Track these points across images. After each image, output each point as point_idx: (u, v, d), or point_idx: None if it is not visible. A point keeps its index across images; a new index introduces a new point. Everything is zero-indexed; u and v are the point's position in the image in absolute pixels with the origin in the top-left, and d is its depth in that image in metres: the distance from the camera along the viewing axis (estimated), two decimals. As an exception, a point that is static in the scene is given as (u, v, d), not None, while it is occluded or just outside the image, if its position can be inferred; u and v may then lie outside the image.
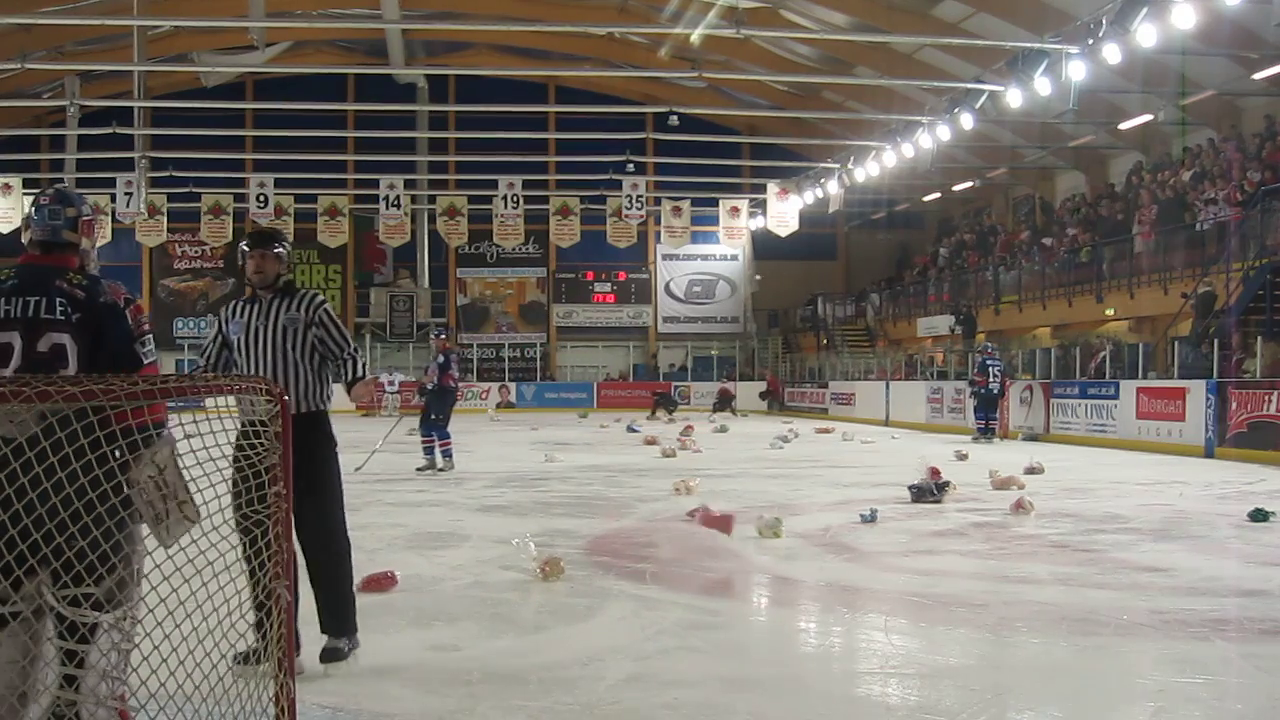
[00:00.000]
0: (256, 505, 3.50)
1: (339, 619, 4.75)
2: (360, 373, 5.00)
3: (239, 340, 4.86)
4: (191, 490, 3.36)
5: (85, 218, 3.63)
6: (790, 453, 17.69)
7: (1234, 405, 16.00)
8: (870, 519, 8.97)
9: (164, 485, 3.24)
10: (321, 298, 5.01)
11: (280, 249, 4.91)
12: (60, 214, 3.57)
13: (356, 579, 6.24)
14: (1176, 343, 19.62)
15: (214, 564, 3.56)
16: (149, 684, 3.31)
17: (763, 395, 36.37)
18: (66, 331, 3.34)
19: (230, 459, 3.52)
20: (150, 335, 3.56)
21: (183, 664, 3.45)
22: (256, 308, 4.91)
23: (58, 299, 3.36)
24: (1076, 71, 17.90)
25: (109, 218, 31.90)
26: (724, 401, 33.94)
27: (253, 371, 4.72)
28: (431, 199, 34.84)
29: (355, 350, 5.02)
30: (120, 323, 3.44)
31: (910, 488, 10.56)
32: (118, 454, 3.20)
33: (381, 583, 6.21)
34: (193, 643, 3.52)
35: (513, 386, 37.87)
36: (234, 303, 4.97)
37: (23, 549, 3.10)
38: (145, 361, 3.49)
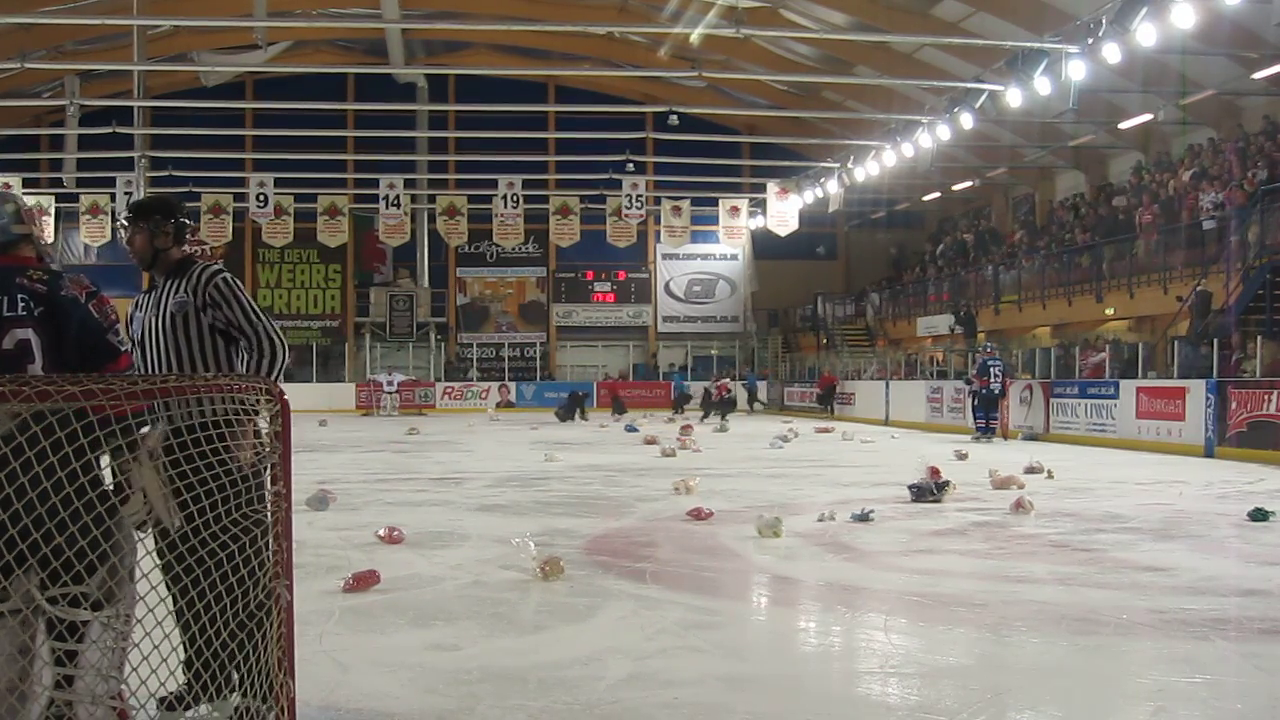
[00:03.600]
0: (217, 522, 3.47)
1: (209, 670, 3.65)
2: (277, 366, 4.01)
3: (135, 339, 4.16)
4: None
5: (25, 207, 3.61)
6: (790, 453, 17.68)
7: (1234, 405, 16.00)
8: (832, 519, 8.95)
9: (160, 472, 3.24)
10: (217, 268, 4.15)
11: (155, 222, 4.14)
12: (1, 212, 3.56)
13: (348, 578, 6.27)
14: (1176, 342, 19.62)
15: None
16: (149, 684, 3.32)
17: (750, 398, 35.31)
18: (30, 326, 3.33)
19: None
20: (119, 325, 3.54)
21: (184, 663, 3.46)
22: (150, 297, 4.19)
23: (19, 295, 3.34)
24: (1076, 71, 17.90)
25: (109, 217, 31.99)
26: (724, 403, 30.20)
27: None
28: (431, 198, 34.87)
29: (270, 331, 4.06)
30: (83, 315, 3.42)
31: (910, 487, 10.56)
32: (96, 448, 3.19)
33: (367, 580, 6.22)
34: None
35: (512, 386, 37.88)
36: (139, 295, 4.30)
37: (23, 547, 3.10)
38: (121, 350, 3.48)
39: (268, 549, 3.32)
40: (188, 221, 4.27)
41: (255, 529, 3.47)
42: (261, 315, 4.08)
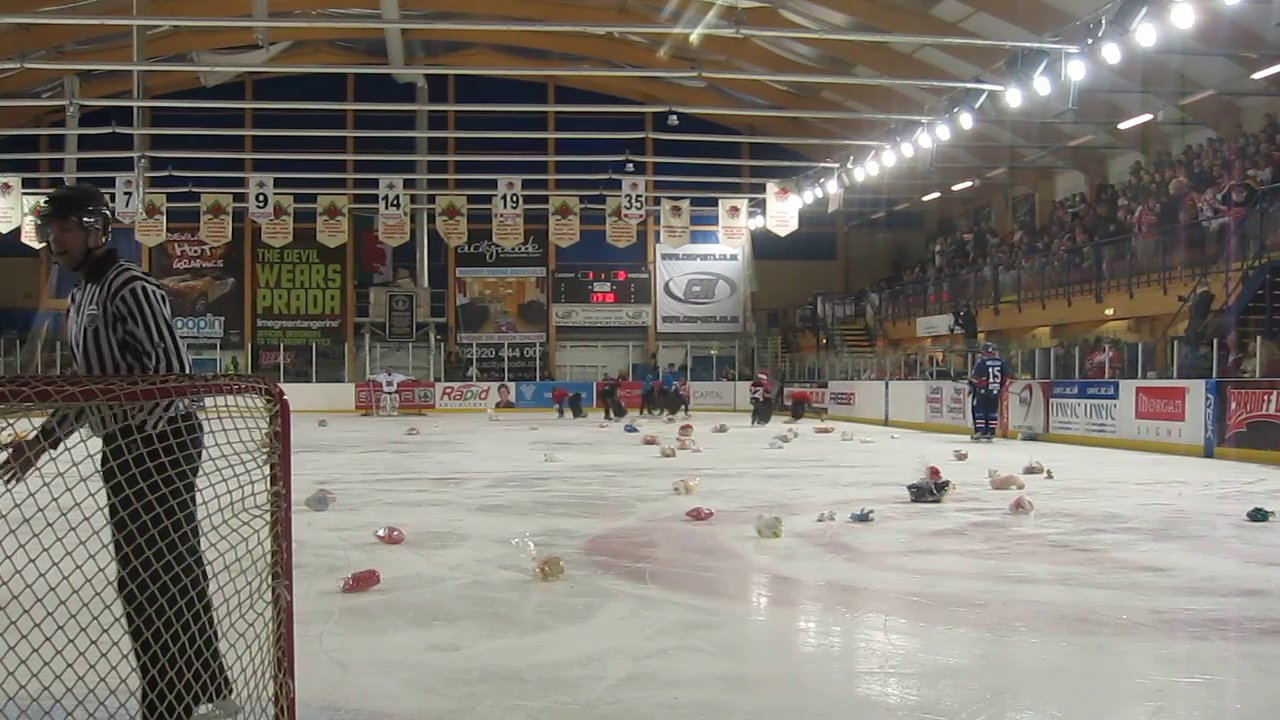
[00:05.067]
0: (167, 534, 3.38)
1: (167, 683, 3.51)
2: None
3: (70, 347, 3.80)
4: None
5: None
6: (790, 453, 17.68)
7: (1233, 405, 16.00)
8: (832, 519, 8.96)
9: None
10: (131, 275, 3.69)
11: (89, 215, 3.70)
12: None
13: (347, 578, 6.26)
14: (1176, 342, 19.62)
15: (213, 564, 3.57)
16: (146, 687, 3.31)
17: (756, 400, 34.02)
18: None
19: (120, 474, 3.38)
20: None
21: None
22: (77, 296, 3.78)
23: None
24: (1076, 71, 17.89)
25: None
26: (766, 403, 28.17)
27: None
28: (431, 199, 34.89)
29: (173, 355, 3.64)
30: None
31: (910, 487, 10.56)
32: None
33: (367, 580, 6.22)
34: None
35: (512, 386, 37.86)
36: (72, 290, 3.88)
37: None
38: None
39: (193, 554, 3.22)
40: (106, 212, 3.84)
41: (186, 523, 3.43)
42: (168, 334, 3.66)
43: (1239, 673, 4.77)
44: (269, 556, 3.29)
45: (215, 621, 3.59)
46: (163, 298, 3.72)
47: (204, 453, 3.60)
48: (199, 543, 3.61)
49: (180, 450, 3.47)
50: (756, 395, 28.26)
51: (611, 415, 29.35)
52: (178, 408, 3.52)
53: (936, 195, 36.70)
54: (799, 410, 29.23)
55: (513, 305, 40.98)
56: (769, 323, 42.10)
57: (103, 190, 22.93)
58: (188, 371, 3.68)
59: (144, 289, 3.66)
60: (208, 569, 3.63)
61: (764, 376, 29.98)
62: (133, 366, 3.65)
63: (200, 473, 3.59)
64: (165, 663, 3.43)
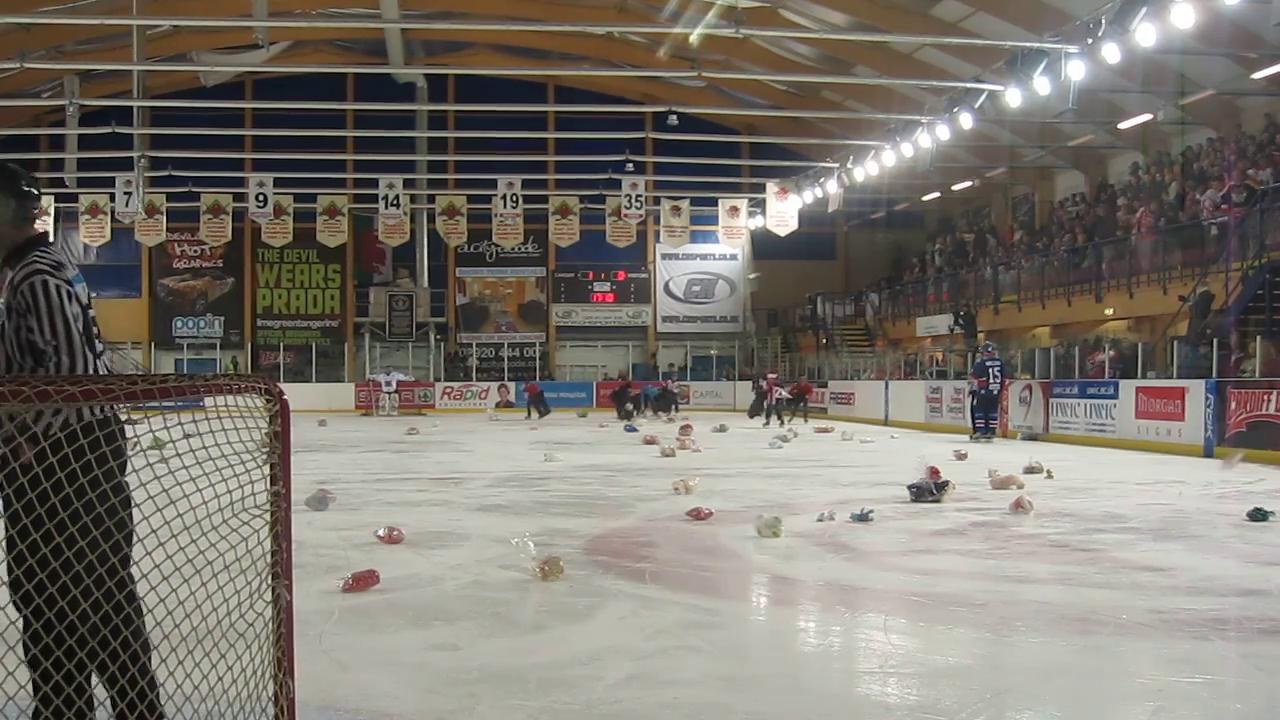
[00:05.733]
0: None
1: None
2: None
3: None
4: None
5: None
6: (790, 452, 17.68)
7: (1233, 405, 16.00)
8: (832, 519, 8.96)
9: None
10: (36, 268, 3.37)
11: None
12: None
13: (347, 578, 6.26)
14: (1176, 342, 19.63)
15: (213, 564, 3.57)
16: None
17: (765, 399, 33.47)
18: None
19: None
20: None
21: (181, 664, 3.45)
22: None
23: None
24: (1075, 71, 17.90)
25: (108, 217, 32.05)
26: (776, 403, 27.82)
27: None
28: (431, 198, 34.91)
29: (68, 351, 3.32)
30: None
31: (910, 487, 10.56)
32: None
33: (367, 580, 6.22)
34: (192, 643, 3.52)
35: (512, 386, 37.81)
36: None
37: None
38: None
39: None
40: (32, 191, 3.52)
41: (111, 541, 3.31)
42: (63, 330, 3.33)
43: (1239, 673, 4.77)
44: (269, 556, 3.29)
45: (149, 651, 3.46)
46: (68, 293, 3.39)
47: (125, 459, 3.42)
48: (128, 571, 3.42)
49: (92, 453, 3.18)
50: (780, 396, 27.93)
51: (619, 416, 29.40)
52: (91, 411, 3.24)
53: (936, 195, 36.71)
54: (796, 403, 29.07)
55: (513, 305, 40.98)
56: (769, 323, 42.10)
57: (103, 190, 22.35)
58: (86, 372, 3.35)
59: (43, 283, 3.34)
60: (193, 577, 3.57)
61: (772, 376, 29.66)
62: (34, 367, 3.38)
63: (128, 472, 3.43)
64: (68, 689, 3.26)
